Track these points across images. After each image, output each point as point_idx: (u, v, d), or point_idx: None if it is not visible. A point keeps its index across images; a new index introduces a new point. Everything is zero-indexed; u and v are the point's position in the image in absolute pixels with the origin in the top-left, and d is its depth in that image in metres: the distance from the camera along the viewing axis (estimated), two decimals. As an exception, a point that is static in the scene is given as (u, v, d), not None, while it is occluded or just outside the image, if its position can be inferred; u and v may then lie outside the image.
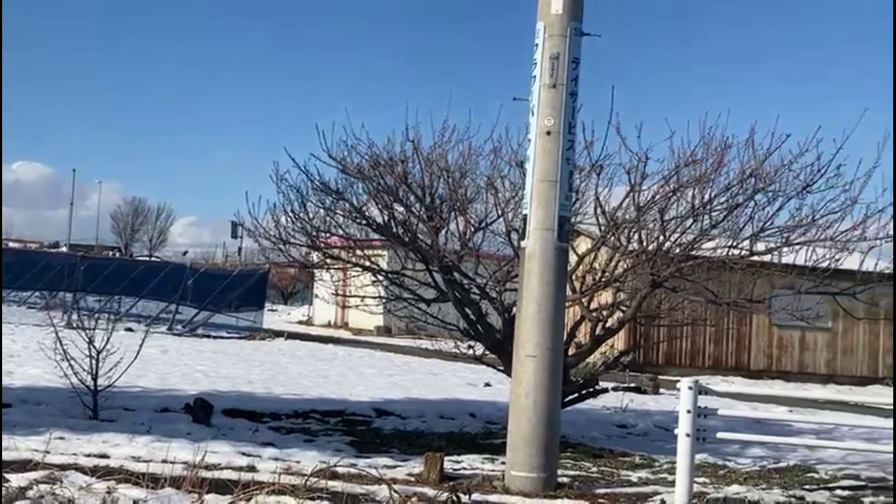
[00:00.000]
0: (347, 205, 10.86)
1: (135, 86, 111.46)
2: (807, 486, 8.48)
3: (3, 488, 6.07)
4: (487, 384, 16.40)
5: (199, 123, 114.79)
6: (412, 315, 11.85)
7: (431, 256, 10.45)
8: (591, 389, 10.98)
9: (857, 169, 9.27)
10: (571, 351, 10.51)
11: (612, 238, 10.53)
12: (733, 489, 8.01)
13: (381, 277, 11.72)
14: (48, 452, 7.42)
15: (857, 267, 10.23)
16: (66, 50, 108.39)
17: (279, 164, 10.71)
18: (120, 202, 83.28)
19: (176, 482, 6.59)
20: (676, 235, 10.15)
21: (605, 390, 11.69)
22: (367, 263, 11.34)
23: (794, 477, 9.05)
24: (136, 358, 10.79)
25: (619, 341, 15.36)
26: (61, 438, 8.55)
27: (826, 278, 10.00)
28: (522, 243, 7.97)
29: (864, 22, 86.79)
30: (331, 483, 6.78)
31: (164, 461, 7.34)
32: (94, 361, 10.13)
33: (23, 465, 6.92)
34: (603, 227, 10.59)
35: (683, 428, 7.15)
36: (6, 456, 7.17)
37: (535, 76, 7.88)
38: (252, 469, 7.73)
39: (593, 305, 10.95)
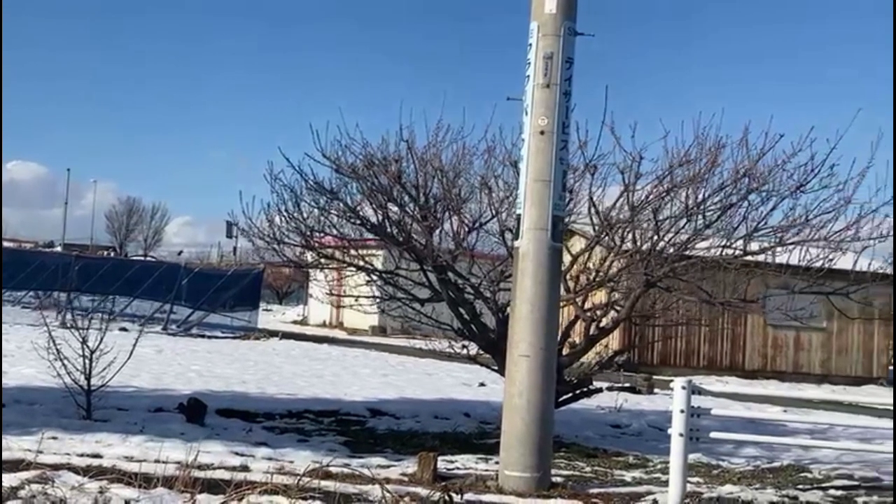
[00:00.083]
0: (342, 204, 10.87)
1: (130, 85, 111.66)
2: (800, 486, 8.48)
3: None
4: (482, 384, 16.40)
5: (194, 123, 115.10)
6: (407, 315, 11.88)
7: (426, 256, 10.44)
8: (586, 389, 10.99)
9: (851, 169, 9.30)
10: (565, 351, 10.51)
11: (606, 238, 10.54)
12: (727, 489, 8.00)
13: (375, 277, 11.73)
14: (41, 452, 7.37)
15: (851, 267, 10.23)
16: (61, 49, 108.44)
17: (273, 163, 10.74)
18: (115, 202, 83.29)
19: (168, 482, 6.57)
20: (670, 235, 10.15)
21: (600, 390, 11.71)
22: (362, 263, 11.35)
23: (787, 477, 9.05)
24: (129, 357, 10.80)
25: (613, 341, 15.34)
26: (54, 438, 8.53)
27: (820, 278, 10.00)
28: (516, 243, 7.96)
29: (864, 22, 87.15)
30: (324, 483, 6.77)
31: (157, 461, 7.33)
32: (87, 361, 10.12)
33: (15, 465, 6.89)
34: (597, 227, 10.59)
35: (677, 428, 7.16)
36: (-1, 456, 7.14)
37: (528, 76, 7.87)
38: (245, 469, 7.72)
39: (587, 305, 10.95)
